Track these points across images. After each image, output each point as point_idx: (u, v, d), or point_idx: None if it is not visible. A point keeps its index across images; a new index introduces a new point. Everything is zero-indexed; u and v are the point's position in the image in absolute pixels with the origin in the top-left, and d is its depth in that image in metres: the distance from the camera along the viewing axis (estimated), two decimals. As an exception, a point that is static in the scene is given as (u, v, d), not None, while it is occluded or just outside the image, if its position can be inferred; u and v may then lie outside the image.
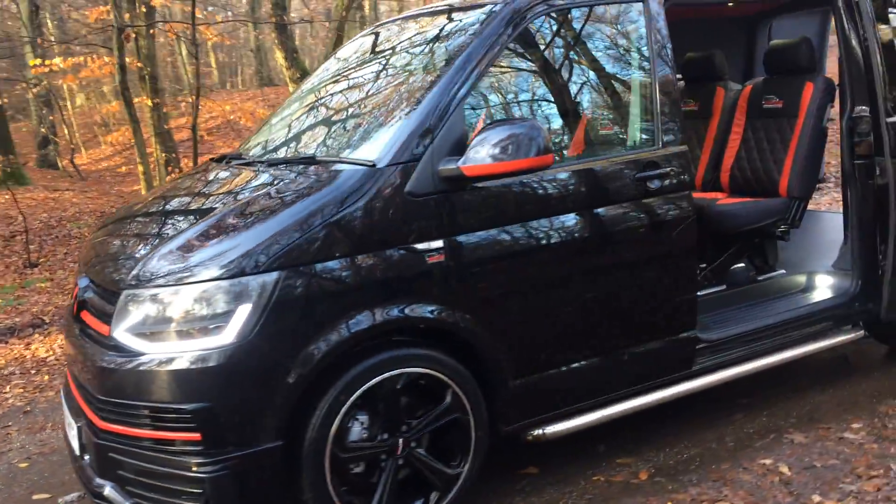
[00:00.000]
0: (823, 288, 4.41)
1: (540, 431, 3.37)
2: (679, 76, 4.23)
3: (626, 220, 3.42)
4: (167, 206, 3.64)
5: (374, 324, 2.90)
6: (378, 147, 3.07)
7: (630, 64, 3.63)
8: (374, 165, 2.99)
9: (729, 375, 3.87)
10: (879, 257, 4.12)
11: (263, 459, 2.79)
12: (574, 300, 3.35)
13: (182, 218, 3.41)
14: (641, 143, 3.55)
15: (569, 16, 3.53)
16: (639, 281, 3.50)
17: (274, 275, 2.77)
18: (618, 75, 3.67)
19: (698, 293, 3.73)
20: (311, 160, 3.29)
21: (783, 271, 4.63)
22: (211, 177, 3.81)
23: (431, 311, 3.02)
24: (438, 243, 3.02)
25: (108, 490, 2.89)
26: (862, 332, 4.29)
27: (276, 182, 3.20)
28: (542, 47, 3.51)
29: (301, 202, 2.92)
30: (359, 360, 2.93)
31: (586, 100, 3.64)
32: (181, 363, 2.74)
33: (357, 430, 2.96)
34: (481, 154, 2.95)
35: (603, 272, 3.41)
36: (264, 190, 3.17)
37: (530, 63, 3.48)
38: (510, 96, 3.41)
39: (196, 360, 2.73)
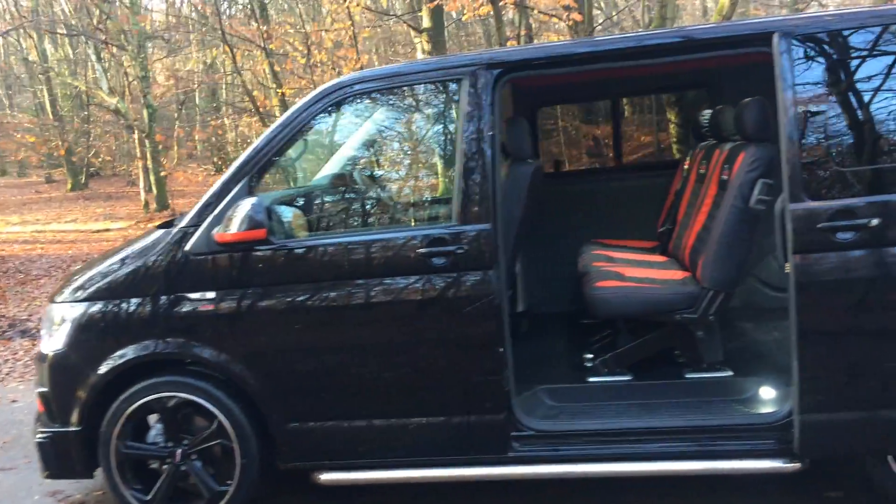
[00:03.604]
0: (762, 401, 3.63)
1: (320, 476, 3.70)
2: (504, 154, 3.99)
3: (405, 293, 3.51)
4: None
5: (148, 353, 3.67)
6: (187, 216, 3.80)
7: (438, 141, 3.66)
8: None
9: (558, 472, 3.58)
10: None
11: (70, 437, 3.79)
12: (349, 362, 3.59)
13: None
14: (434, 219, 3.58)
15: (381, 95, 3.73)
16: (421, 355, 3.54)
17: (85, 304, 3.74)
18: (423, 152, 3.72)
19: (592, 379, 3.72)
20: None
21: (729, 372, 3.87)
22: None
23: (199, 351, 3.64)
24: (211, 294, 3.63)
25: None
26: (798, 466, 3.45)
27: (145, 237, 4.14)
28: (352, 126, 3.78)
29: (120, 252, 3.84)
30: (139, 380, 3.72)
31: (388, 175, 3.78)
32: (42, 357, 3.90)
33: (139, 433, 3.77)
34: (228, 225, 3.49)
35: (377, 341, 3.56)
36: (134, 243, 4.13)
37: (337, 139, 3.80)
38: (311, 172, 3.79)
39: (44, 357, 3.86)
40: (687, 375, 3.91)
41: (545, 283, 5.38)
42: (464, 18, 12.63)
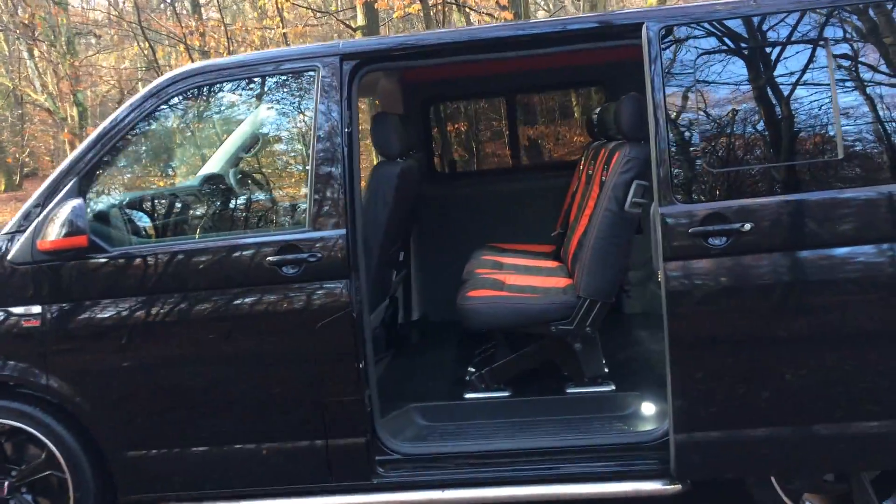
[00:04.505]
0: (643, 417, 3.40)
1: None
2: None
3: (254, 306, 3.19)
4: None
5: None
6: (11, 221, 3.42)
7: (292, 139, 3.35)
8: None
9: (426, 499, 3.29)
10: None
11: None
12: (192, 384, 3.26)
13: None
14: (286, 225, 3.27)
15: (228, 87, 3.40)
16: (273, 375, 3.23)
17: None
18: (278, 151, 3.41)
19: (469, 396, 3.53)
20: None
21: (611, 387, 3.63)
22: None
23: (22, 372, 3.27)
24: (36, 309, 3.26)
25: None
26: (678, 488, 3.20)
27: None
28: (199, 120, 3.45)
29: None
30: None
31: (241, 175, 3.46)
32: None
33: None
34: (49, 230, 3.12)
35: (224, 360, 3.23)
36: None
37: (185, 136, 3.46)
38: (153, 171, 3.44)
39: None
40: (568, 391, 3.66)
41: (442, 288, 5.11)
42: (395, 16, 12.31)
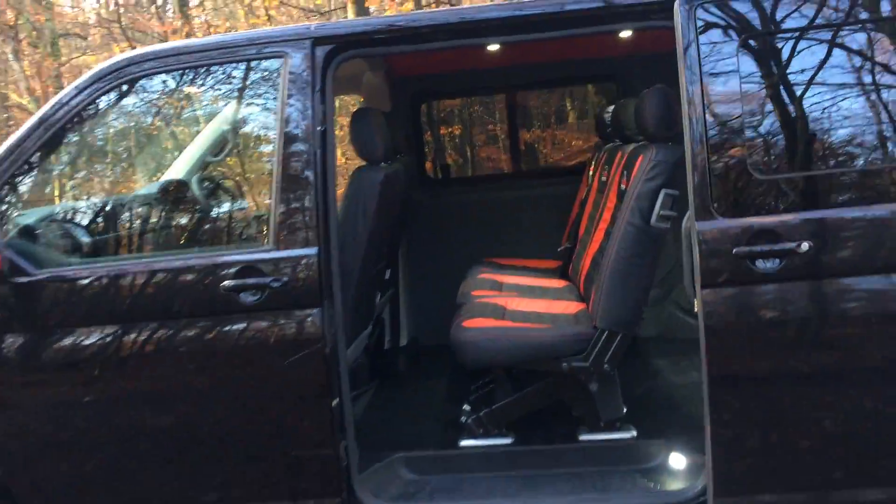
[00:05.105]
0: (672, 471, 2.87)
1: None
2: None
3: (207, 342, 2.64)
4: None
5: None
6: None
7: (255, 139, 2.82)
8: None
9: None
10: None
11: None
12: (131, 439, 2.69)
13: None
14: (247, 243, 2.73)
15: (181, 77, 2.85)
16: (226, 424, 2.68)
17: None
18: (239, 152, 2.87)
19: (465, 443, 3.05)
20: None
21: (632, 432, 3.09)
22: None
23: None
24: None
25: None
26: None
27: None
28: (149, 117, 2.91)
29: None
30: None
31: (196, 182, 2.91)
32: None
33: None
34: None
35: (169, 408, 2.68)
36: None
37: (128, 136, 2.92)
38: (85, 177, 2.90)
39: None
40: (581, 437, 3.11)
41: (434, 309, 4.56)
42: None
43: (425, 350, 4.46)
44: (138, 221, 3.00)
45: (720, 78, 2.46)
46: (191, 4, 17.27)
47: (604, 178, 3.66)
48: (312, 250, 2.62)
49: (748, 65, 2.46)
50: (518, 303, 3.38)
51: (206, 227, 2.95)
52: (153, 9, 17.21)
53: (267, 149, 2.80)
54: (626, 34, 4.06)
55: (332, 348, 2.65)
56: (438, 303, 4.47)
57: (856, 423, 2.44)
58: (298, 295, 2.62)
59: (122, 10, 12.89)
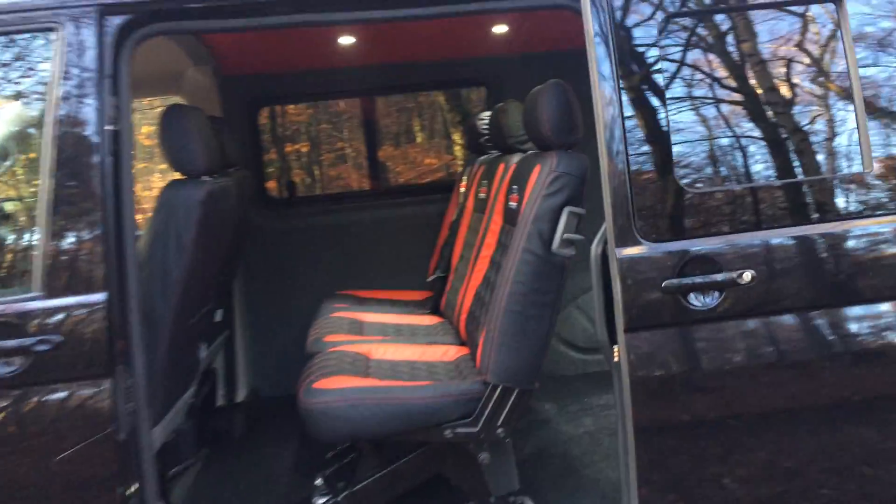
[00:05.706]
0: None
1: None
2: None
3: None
4: None
5: None
6: None
7: (13, 142, 2.03)
8: None
9: None
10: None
11: None
12: None
13: None
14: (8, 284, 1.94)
15: None
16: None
17: None
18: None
19: None
20: None
21: (528, 504, 2.52)
22: None
23: None
24: None
25: None
26: None
27: None
28: None
29: None
30: None
31: None
32: None
33: None
34: None
35: None
36: None
37: None
38: None
39: None
40: None
41: (278, 354, 3.82)
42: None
43: (269, 403, 3.70)
44: None
45: (641, 69, 1.97)
46: None
47: (482, 195, 3.10)
48: (100, 296, 1.87)
49: (676, 52, 1.98)
50: (384, 350, 2.72)
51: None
52: None
53: (33, 156, 1.99)
54: (498, 29, 3.60)
55: (129, 432, 1.90)
56: (284, 346, 3.75)
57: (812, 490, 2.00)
58: (78, 361, 1.86)
59: None
